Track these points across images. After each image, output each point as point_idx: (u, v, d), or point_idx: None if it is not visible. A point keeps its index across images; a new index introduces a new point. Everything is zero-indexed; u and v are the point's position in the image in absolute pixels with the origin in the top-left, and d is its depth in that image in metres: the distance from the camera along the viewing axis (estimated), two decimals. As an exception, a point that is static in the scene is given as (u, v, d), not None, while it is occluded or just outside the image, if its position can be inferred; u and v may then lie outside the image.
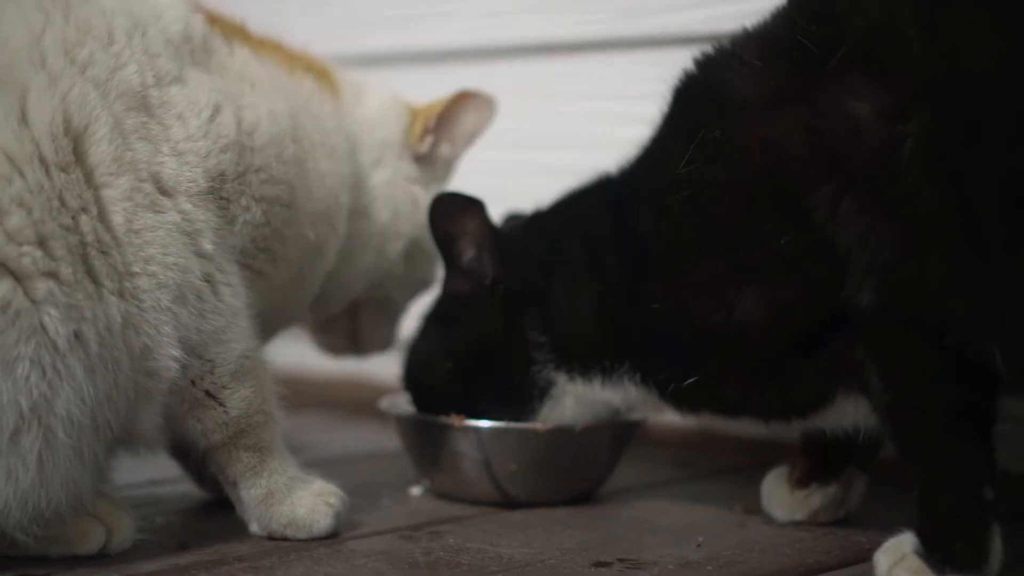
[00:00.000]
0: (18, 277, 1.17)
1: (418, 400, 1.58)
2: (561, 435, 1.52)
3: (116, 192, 1.25)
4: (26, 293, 1.17)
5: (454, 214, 1.51)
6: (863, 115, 1.25)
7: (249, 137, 1.37)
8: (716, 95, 1.36)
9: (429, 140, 1.64)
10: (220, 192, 1.34)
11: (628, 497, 1.60)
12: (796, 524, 1.48)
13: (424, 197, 1.61)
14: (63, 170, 1.22)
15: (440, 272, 1.59)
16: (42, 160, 1.21)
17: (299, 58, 1.54)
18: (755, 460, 1.64)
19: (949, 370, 1.25)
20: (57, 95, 1.23)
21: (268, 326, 1.44)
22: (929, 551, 1.24)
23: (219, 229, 1.33)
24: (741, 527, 1.48)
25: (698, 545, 1.39)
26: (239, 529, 1.39)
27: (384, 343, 1.69)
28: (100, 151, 1.24)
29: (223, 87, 1.37)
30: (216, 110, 1.34)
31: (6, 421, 1.17)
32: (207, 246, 1.31)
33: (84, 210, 1.22)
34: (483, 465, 1.53)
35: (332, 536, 1.39)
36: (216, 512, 1.48)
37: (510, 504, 1.54)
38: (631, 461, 1.64)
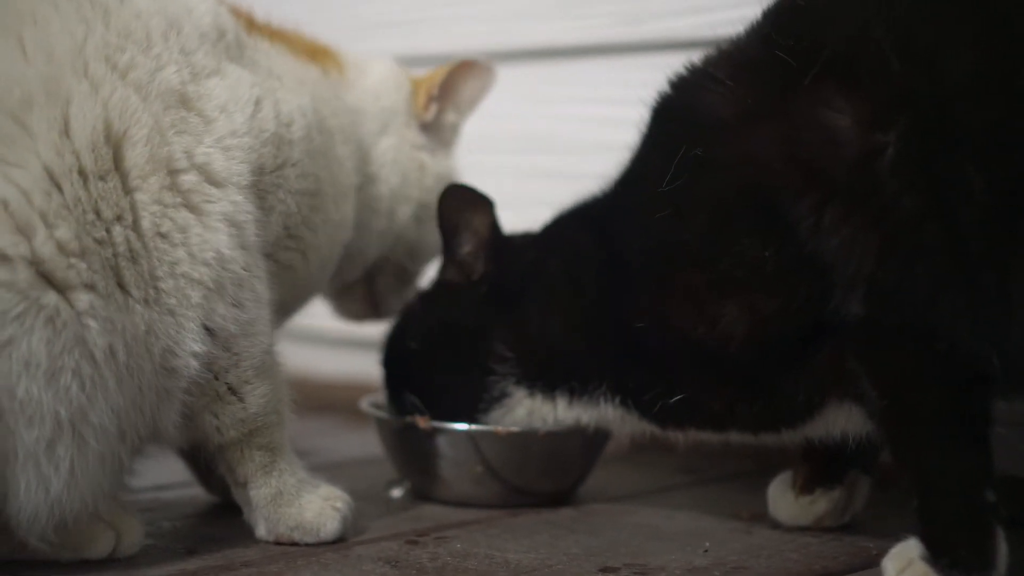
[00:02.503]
0: (62, 289, 1.19)
1: (384, 371, 1.60)
2: (527, 438, 1.53)
3: (146, 196, 1.26)
4: (71, 305, 1.19)
5: (463, 207, 1.54)
6: (842, 125, 1.26)
7: (287, 130, 1.40)
8: (692, 115, 1.37)
9: (434, 108, 1.68)
10: (259, 184, 1.36)
11: (634, 503, 1.60)
12: (802, 529, 1.48)
13: (431, 162, 1.65)
14: (101, 178, 1.23)
15: None
16: (81, 172, 1.22)
17: (300, 41, 1.56)
18: (761, 466, 1.64)
19: (941, 375, 1.25)
20: (99, 103, 1.24)
21: (285, 308, 1.48)
22: (935, 556, 1.24)
23: (258, 221, 1.35)
24: (747, 533, 1.48)
25: (704, 551, 1.40)
26: (246, 534, 1.40)
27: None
28: (135, 154, 1.25)
29: (259, 81, 1.39)
30: (258, 105, 1.36)
31: (44, 431, 1.18)
32: (251, 238, 1.32)
33: (119, 219, 1.24)
34: (454, 466, 1.54)
35: (339, 541, 1.39)
36: (223, 517, 1.48)
37: (483, 505, 1.55)
38: (637, 467, 1.64)
